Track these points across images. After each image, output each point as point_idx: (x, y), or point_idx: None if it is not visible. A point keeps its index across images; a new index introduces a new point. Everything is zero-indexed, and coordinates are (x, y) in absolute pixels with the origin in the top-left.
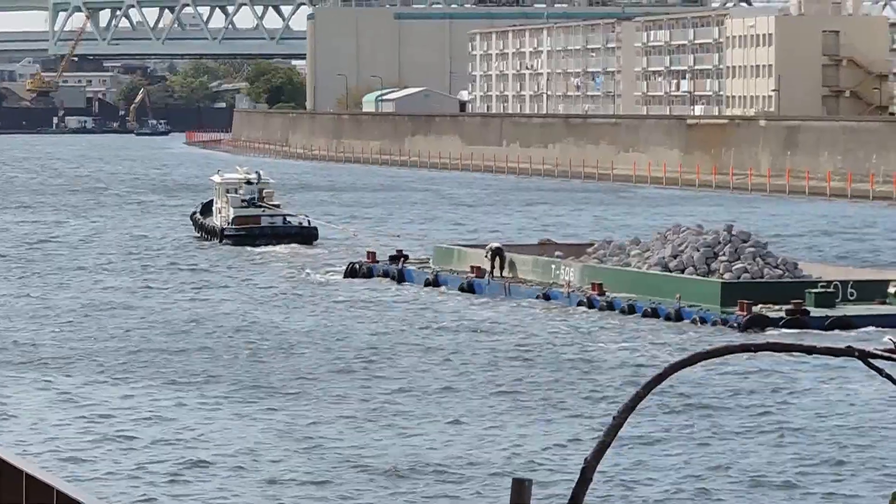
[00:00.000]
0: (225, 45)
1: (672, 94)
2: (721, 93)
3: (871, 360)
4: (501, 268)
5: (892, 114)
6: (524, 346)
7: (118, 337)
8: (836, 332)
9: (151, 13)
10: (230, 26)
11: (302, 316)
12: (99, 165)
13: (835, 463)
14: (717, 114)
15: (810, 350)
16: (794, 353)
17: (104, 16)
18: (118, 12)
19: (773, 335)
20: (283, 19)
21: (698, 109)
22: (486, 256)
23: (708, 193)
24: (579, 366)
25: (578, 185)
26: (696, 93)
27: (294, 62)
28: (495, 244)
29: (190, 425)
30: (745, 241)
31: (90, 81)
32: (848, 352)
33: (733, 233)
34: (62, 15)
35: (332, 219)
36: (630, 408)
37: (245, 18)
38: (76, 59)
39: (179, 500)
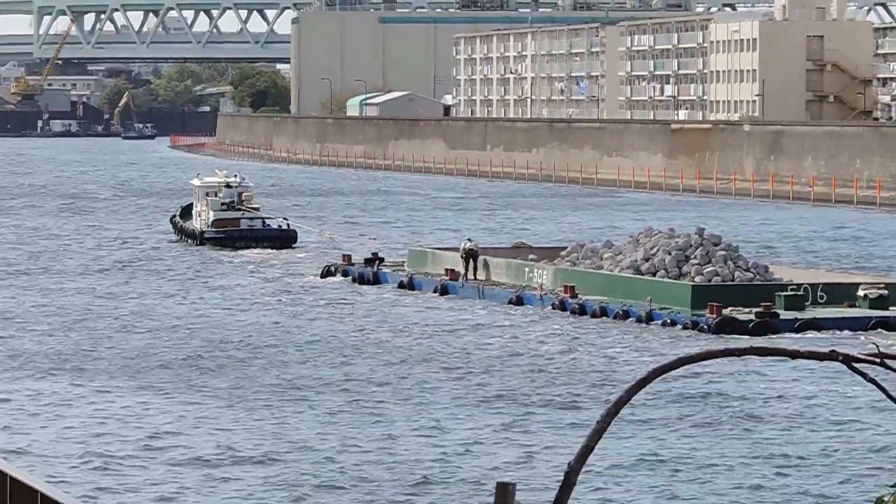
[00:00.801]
0: (209, 48)
1: (656, 98)
2: (705, 97)
3: (855, 365)
4: (475, 269)
5: (875, 119)
6: (497, 348)
7: (98, 340)
8: (806, 334)
9: (136, 17)
10: (214, 30)
11: (276, 318)
12: (84, 168)
13: (816, 465)
14: (701, 118)
15: (794, 354)
16: (777, 357)
17: (89, 19)
18: (102, 16)
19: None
20: (268, 23)
21: (682, 114)
22: (461, 256)
23: (692, 198)
24: (552, 368)
25: (562, 190)
26: (680, 97)
27: (278, 66)
28: (469, 245)
29: (171, 428)
30: (716, 245)
31: (75, 85)
32: (832, 356)
33: (704, 236)
34: (47, 18)
35: (312, 222)
36: (614, 412)
37: (229, 22)
38: (61, 62)
39: (161, 502)
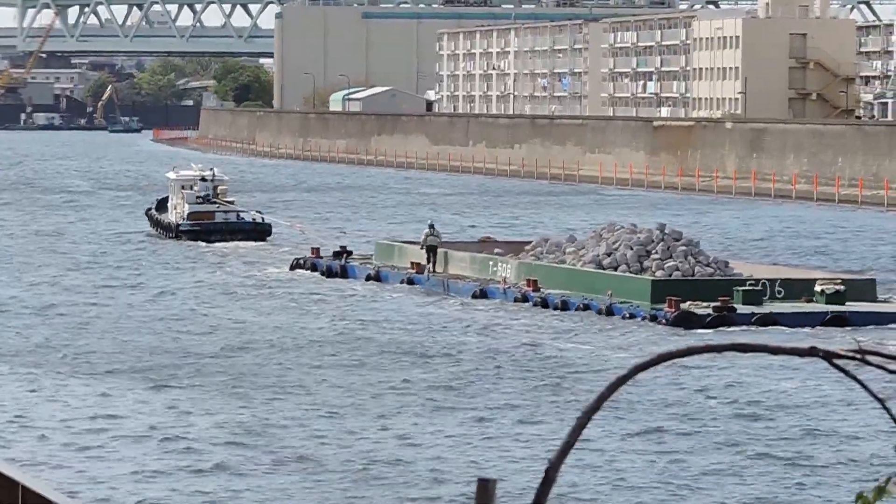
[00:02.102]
0: (193, 42)
1: (639, 95)
2: (687, 95)
3: (836, 361)
4: (434, 263)
5: (858, 117)
6: (461, 341)
7: (71, 333)
8: (762, 328)
9: (120, 10)
10: (198, 24)
11: (242, 309)
12: (64, 162)
13: (795, 462)
14: (683, 116)
15: (775, 350)
16: (757, 353)
17: (73, 12)
18: (87, 9)
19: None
20: (251, 17)
21: (665, 111)
22: (421, 248)
23: (673, 195)
24: (517, 361)
25: (544, 186)
26: (663, 94)
27: (261, 60)
28: (430, 239)
29: (138, 422)
30: (677, 240)
31: (58, 78)
32: (813, 352)
33: (666, 231)
34: (31, 11)
35: (289, 216)
36: (594, 408)
37: (213, 16)
38: (44, 55)
39: (143, 497)
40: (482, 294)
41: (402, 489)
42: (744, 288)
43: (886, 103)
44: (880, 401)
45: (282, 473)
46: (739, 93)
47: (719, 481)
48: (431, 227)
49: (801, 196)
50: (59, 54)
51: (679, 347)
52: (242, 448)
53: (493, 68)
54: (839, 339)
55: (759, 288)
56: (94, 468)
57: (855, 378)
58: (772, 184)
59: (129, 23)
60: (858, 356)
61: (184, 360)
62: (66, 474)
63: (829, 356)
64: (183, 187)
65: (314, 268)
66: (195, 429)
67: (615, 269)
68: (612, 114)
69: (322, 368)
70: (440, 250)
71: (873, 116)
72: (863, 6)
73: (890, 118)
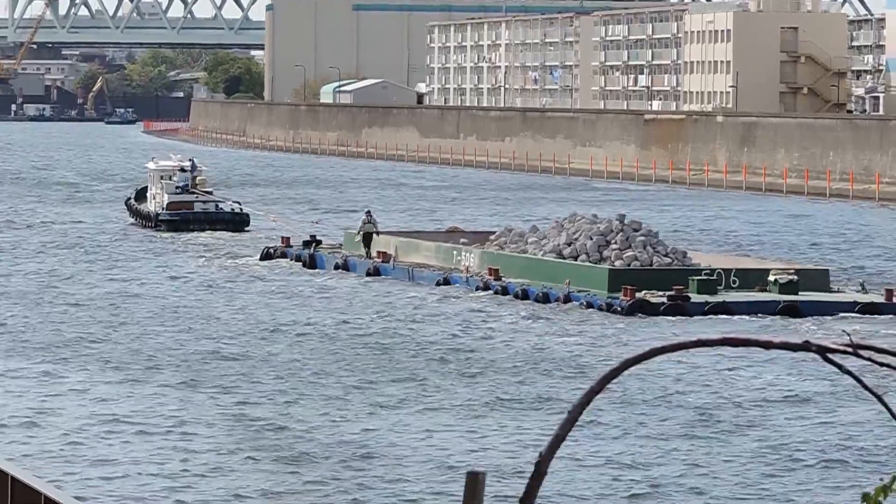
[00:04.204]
0: (184, 34)
1: (630, 88)
2: (679, 88)
3: (830, 356)
4: (369, 249)
5: (849, 111)
6: (421, 330)
7: (49, 324)
8: (715, 317)
9: (111, 1)
10: (189, 16)
11: (210, 298)
12: (51, 154)
13: (792, 460)
14: (674, 109)
15: (767, 345)
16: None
17: (63, 4)
18: (77, 0)
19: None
20: (242, 9)
21: (656, 104)
22: (358, 234)
23: (664, 189)
24: (468, 350)
25: (535, 179)
26: (654, 88)
27: (252, 52)
28: (367, 226)
29: (117, 409)
30: (636, 231)
31: (49, 69)
32: (805, 347)
33: (625, 222)
34: (22, 2)
35: (275, 208)
36: (585, 402)
37: (204, 8)
38: (35, 46)
39: (128, 486)
40: (445, 282)
41: (390, 483)
42: (698, 277)
43: (878, 97)
44: (875, 395)
45: (269, 467)
46: (731, 86)
47: (714, 479)
48: (368, 214)
49: (791, 190)
50: (50, 45)
51: (670, 343)
52: (224, 438)
53: (484, 61)
54: (792, 329)
55: (713, 277)
56: (82, 460)
57: (850, 373)
58: (763, 178)
59: (119, 14)
60: (850, 350)
61: (159, 350)
62: (54, 465)
63: (821, 351)
64: (162, 177)
65: (284, 257)
66: (179, 421)
67: (575, 258)
68: (602, 107)
69: (296, 360)
70: (397, 240)
71: (864, 110)
72: (854, 0)
73: (881, 112)
